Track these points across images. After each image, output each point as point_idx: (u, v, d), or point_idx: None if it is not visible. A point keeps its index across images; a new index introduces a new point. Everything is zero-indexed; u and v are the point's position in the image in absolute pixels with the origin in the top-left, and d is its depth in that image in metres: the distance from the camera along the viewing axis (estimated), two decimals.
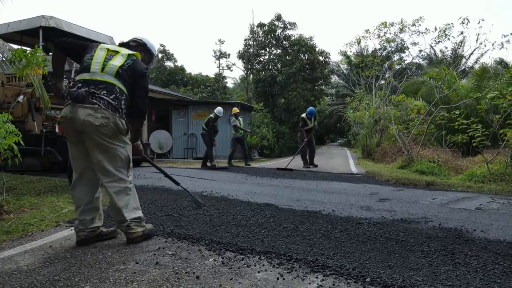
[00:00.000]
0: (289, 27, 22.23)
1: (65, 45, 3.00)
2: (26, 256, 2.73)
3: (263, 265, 2.50)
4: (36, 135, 8.67)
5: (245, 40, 23.22)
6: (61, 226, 3.66)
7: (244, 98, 23.79)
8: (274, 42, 22.58)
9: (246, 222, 3.72)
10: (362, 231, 3.34)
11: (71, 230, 3.51)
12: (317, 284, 2.17)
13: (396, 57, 30.10)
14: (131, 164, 3.00)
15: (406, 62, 27.71)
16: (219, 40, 32.85)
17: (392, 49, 29.78)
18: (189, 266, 2.46)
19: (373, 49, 27.13)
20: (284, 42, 22.38)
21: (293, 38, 22.59)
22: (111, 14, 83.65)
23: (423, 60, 30.42)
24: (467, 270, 2.40)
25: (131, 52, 3.07)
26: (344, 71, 34.51)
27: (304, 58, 21.68)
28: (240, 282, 2.19)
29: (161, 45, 41.33)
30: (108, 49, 2.98)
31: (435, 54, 28.54)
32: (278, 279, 2.25)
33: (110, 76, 2.86)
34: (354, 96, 19.92)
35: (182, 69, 40.05)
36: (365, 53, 28.18)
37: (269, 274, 2.33)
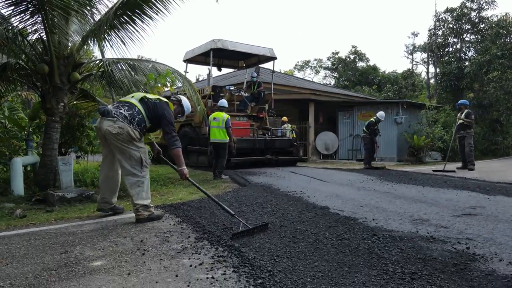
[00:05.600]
0: (485, 7, 18.60)
1: None
2: (86, 227, 3.93)
3: None
4: (206, 138, 10.72)
5: (429, 30, 20.88)
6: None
7: (426, 95, 21.33)
8: (468, 28, 19.35)
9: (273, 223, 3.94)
10: (358, 243, 3.07)
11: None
12: None
13: None
14: (144, 163, 3.82)
15: None
16: (412, 33, 30.31)
17: None
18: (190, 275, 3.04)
19: None
20: (481, 26, 18.85)
21: (495, 19, 18.77)
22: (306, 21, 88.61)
23: None
24: None
25: (164, 99, 4.14)
26: None
27: (507, 41, 17.69)
28: None
29: (352, 46, 41.60)
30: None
31: None
32: None
33: (135, 100, 3.88)
34: None
35: (374, 68, 39.04)
36: None
37: None
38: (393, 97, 24.90)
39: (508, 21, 18.05)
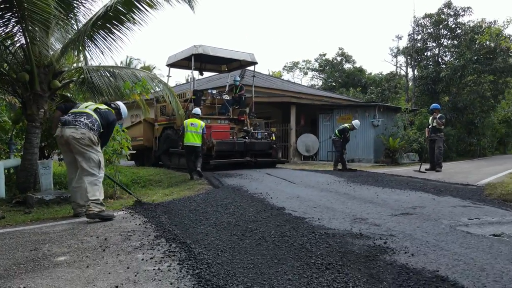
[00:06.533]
0: (461, 13, 19.29)
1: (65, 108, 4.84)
2: (59, 227, 4.32)
3: None
4: None
5: (409, 35, 21.52)
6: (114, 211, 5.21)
7: (405, 98, 22.00)
8: (446, 33, 20.02)
9: (216, 221, 4.37)
10: (295, 240, 3.51)
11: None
12: None
13: None
14: (102, 166, 4.37)
15: None
16: (397, 36, 31.03)
17: None
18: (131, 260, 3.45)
19: None
20: (458, 31, 19.55)
21: (471, 25, 19.49)
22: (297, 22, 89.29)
23: None
24: None
25: (109, 108, 4.90)
26: None
27: (483, 46, 18.40)
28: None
29: (339, 48, 42.22)
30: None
31: None
32: None
33: (89, 110, 4.39)
34: None
35: (360, 70, 39.71)
36: None
37: None
38: (376, 99, 25.55)
39: (483, 26, 18.76)
